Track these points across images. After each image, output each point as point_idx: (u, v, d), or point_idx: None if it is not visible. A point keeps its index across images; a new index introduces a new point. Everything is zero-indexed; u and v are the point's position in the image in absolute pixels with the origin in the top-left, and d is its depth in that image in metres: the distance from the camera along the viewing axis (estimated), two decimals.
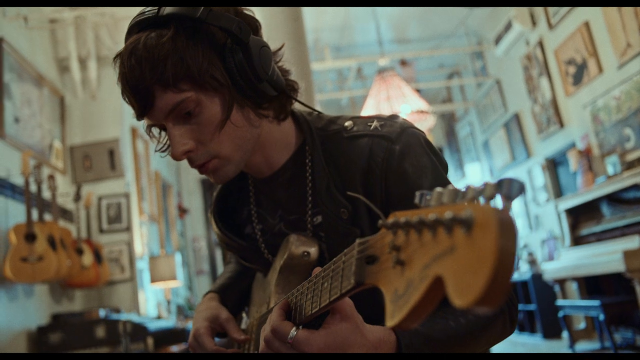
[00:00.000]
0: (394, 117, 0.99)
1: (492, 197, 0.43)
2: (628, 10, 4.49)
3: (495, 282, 0.37)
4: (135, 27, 0.90)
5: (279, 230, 1.05)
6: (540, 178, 6.31)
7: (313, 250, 0.96)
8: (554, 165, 6.19)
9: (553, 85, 5.77)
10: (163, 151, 1.00)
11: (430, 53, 7.13)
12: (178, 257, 6.15)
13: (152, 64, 0.85)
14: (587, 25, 5.06)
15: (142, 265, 5.84)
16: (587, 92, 5.22)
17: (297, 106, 1.04)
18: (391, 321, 0.49)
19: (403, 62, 7.35)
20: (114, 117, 5.86)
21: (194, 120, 0.90)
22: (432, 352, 0.80)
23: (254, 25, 0.94)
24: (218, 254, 8.80)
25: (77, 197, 5.13)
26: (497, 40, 6.35)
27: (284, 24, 3.35)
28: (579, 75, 5.30)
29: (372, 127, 0.96)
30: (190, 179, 8.83)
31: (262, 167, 1.01)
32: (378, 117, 0.99)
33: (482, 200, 0.43)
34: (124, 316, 4.80)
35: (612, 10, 4.67)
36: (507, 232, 0.38)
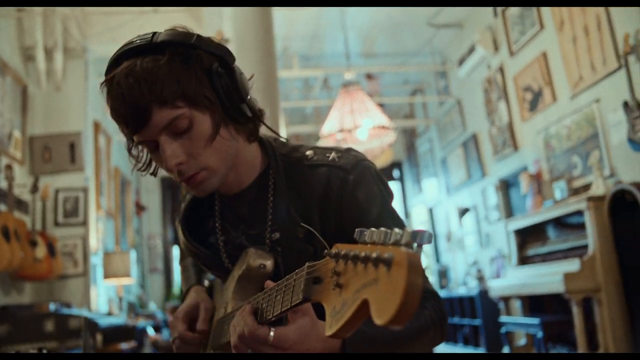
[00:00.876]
0: (350, 150, 1.10)
1: (408, 243, 0.54)
2: (582, 45, 4.74)
3: (404, 307, 0.49)
4: (127, 54, 0.99)
5: (240, 242, 1.15)
6: (493, 197, 6.54)
7: (269, 263, 1.06)
8: (506, 186, 6.43)
9: (510, 110, 6.01)
10: (143, 170, 1.08)
11: (396, 69, 7.32)
12: (133, 254, 6.13)
13: (150, 84, 0.94)
14: (544, 55, 5.31)
15: (96, 260, 5.80)
16: (541, 119, 5.47)
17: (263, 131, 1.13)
18: (329, 331, 0.61)
19: (369, 76, 7.51)
20: (78, 110, 5.83)
21: (186, 135, 0.99)
22: (372, 350, 0.91)
23: (230, 53, 1.03)
24: (173, 253, 8.78)
25: (35, 189, 5.09)
26: (461, 61, 6.58)
27: (254, 30, 3.44)
28: (534, 102, 5.55)
29: (330, 157, 1.07)
30: (150, 176, 8.77)
31: (232, 185, 1.11)
32: (336, 149, 1.10)
33: (402, 244, 0.54)
34: (75, 311, 4.78)
35: (568, 44, 4.92)
36: (415, 271, 0.50)
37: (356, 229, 0.64)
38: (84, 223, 5.62)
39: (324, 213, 1.04)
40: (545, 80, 5.31)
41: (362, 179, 1.05)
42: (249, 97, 1.04)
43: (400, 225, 1.07)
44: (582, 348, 4.15)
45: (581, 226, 4.58)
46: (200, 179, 1.02)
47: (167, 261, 8.65)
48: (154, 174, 1.15)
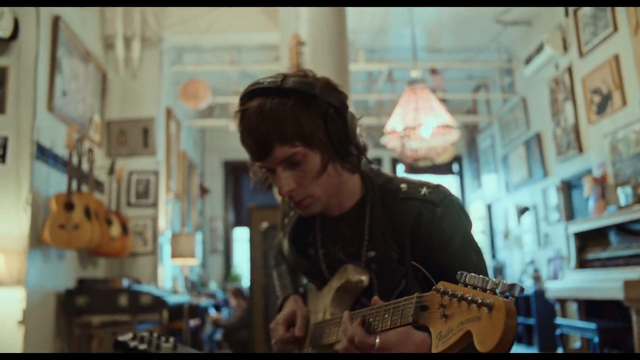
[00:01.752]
0: (439, 187, 1.26)
1: (504, 292, 0.68)
2: None
3: (501, 342, 0.67)
4: (259, 92, 1.17)
5: (339, 257, 1.31)
6: (554, 198, 6.49)
7: (365, 279, 1.23)
8: (568, 187, 6.36)
9: (577, 111, 5.94)
10: (261, 185, 1.32)
11: (461, 65, 7.31)
12: (199, 236, 6.44)
13: (275, 124, 1.13)
14: (616, 58, 5.22)
15: (164, 240, 6.13)
16: (609, 123, 5.39)
17: None
18: (436, 349, 0.79)
19: (433, 71, 7.52)
20: (152, 97, 6.13)
21: (299, 168, 1.17)
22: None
23: (345, 99, 1.20)
24: (233, 235, 9.11)
25: (111, 171, 5.42)
26: (528, 60, 6.51)
27: (329, 31, 3.58)
28: (603, 105, 5.47)
29: (422, 193, 1.23)
30: (214, 160, 9.12)
31: (334, 208, 1.28)
32: (427, 185, 1.26)
33: (498, 292, 0.69)
34: (145, 288, 5.09)
35: None
36: (511, 317, 0.68)
37: (458, 272, 0.79)
38: (154, 204, 5.95)
39: (415, 240, 1.20)
40: (616, 83, 5.23)
41: (447, 212, 1.20)
42: (356, 138, 1.20)
43: (477, 251, 1.22)
44: None
45: None
46: (306, 204, 1.21)
47: (227, 243, 8.99)
48: (269, 188, 1.35)
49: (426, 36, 6.95)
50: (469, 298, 0.74)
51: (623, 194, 4.99)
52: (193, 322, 5.36)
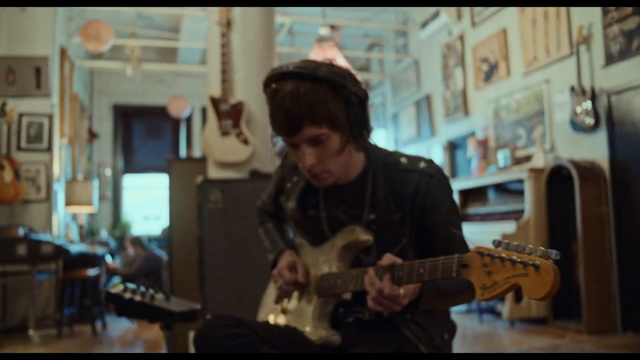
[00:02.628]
0: (432, 162, 1.47)
1: (542, 256, 0.94)
2: (540, 28, 5.18)
3: (550, 292, 0.92)
4: (291, 75, 1.30)
5: (341, 219, 1.49)
6: (439, 157, 7.06)
7: (371, 239, 1.44)
8: (453, 147, 6.96)
9: (466, 77, 6.45)
10: (279, 154, 1.50)
11: (359, 24, 7.56)
12: (95, 183, 6.24)
13: (308, 106, 1.28)
14: (504, 31, 5.73)
15: (58, 187, 5.89)
16: (494, 90, 5.95)
17: None
18: (481, 297, 1.03)
19: (332, 27, 7.69)
20: (44, 35, 5.74)
21: (321, 147, 1.34)
22: (434, 297, 1.32)
23: (366, 91, 1.37)
24: (123, 182, 8.87)
25: (2, 113, 5.08)
26: (424, 24, 6.91)
27: None
28: (489, 74, 6.01)
29: (420, 166, 1.44)
30: (103, 103, 8.72)
31: (341, 178, 1.44)
32: (423, 159, 1.46)
33: (539, 253, 0.96)
34: (43, 236, 4.92)
35: (528, 24, 5.35)
36: (557, 274, 0.92)
37: (493, 240, 1.02)
38: (49, 149, 5.66)
39: (413, 204, 1.41)
40: (502, 54, 5.76)
41: (440, 183, 1.43)
42: (370, 123, 1.39)
43: (458, 214, 1.48)
44: (509, 296, 4.77)
45: (519, 193, 5.16)
46: (323, 177, 1.39)
47: (116, 190, 8.74)
48: (284, 157, 1.58)
49: None
50: (515, 259, 0.98)
51: (502, 156, 5.60)
52: (92, 271, 5.27)
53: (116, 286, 1.77)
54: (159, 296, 1.78)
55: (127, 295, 1.76)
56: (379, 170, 1.45)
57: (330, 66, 1.32)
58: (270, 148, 1.48)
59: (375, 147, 1.50)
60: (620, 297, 4.35)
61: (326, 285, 1.45)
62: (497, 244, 1.04)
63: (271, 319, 1.61)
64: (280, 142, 1.42)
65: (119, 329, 5.39)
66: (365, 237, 1.43)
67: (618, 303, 4.36)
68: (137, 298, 1.75)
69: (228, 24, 3.55)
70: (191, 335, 3.51)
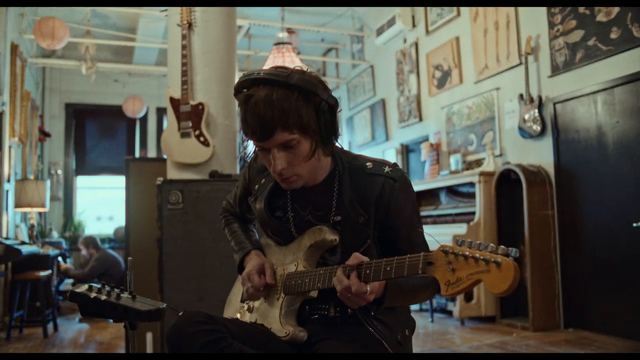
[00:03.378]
0: (396, 166, 1.53)
1: (503, 254, 1.01)
2: (491, 38, 5.39)
3: (510, 287, 1.01)
4: (263, 81, 1.35)
5: (308, 220, 1.55)
6: (393, 160, 7.20)
7: (337, 238, 1.49)
8: (407, 151, 7.13)
9: (420, 83, 6.63)
10: (252, 159, 1.57)
11: (317, 28, 7.65)
12: (48, 183, 6.11)
13: (280, 112, 1.32)
14: (457, 39, 5.93)
15: (7, 187, 5.74)
16: (447, 96, 6.14)
17: None
18: (445, 293, 1.10)
19: (289, 30, 7.77)
20: None
21: (291, 151, 1.39)
22: (398, 293, 1.38)
23: (338, 103, 1.43)
24: (75, 183, 8.69)
25: None
26: (379, 31, 7.05)
27: None
28: (443, 80, 6.19)
29: (385, 170, 1.50)
30: (55, 102, 8.53)
31: (308, 181, 1.50)
32: (388, 164, 1.53)
33: (499, 253, 1.04)
34: None
35: (479, 34, 5.55)
36: (517, 271, 1.01)
37: (456, 239, 1.10)
38: None
39: (377, 207, 1.48)
40: (455, 62, 5.95)
41: (403, 186, 1.50)
42: (338, 129, 1.45)
43: (419, 216, 1.56)
44: (459, 297, 4.94)
45: (470, 195, 5.35)
46: (292, 180, 1.45)
47: (67, 190, 8.55)
48: (254, 160, 1.63)
49: None
50: (478, 257, 1.07)
51: (454, 160, 5.79)
52: (43, 273, 5.17)
53: (80, 286, 1.78)
54: (125, 295, 1.80)
55: (93, 295, 1.77)
56: (345, 173, 1.51)
57: (302, 73, 1.38)
58: (242, 151, 1.53)
59: (342, 151, 1.56)
60: (562, 296, 4.58)
61: (293, 283, 1.51)
62: (460, 242, 1.12)
63: (238, 317, 1.66)
64: (250, 145, 1.47)
65: (71, 332, 5.30)
66: (332, 236, 1.49)
67: (561, 301, 4.58)
68: (103, 297, 1.76)
69: (189, 26, 3.57)
70: (149, 335, 3.52)
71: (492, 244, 1.07)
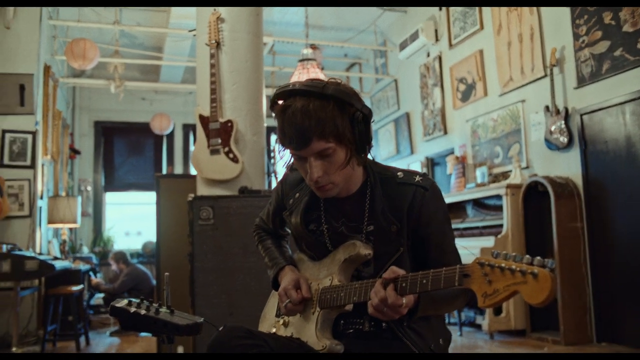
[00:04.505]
0: (426, 175, 1.57)
1: (539, 265, 1.03)
2: (515, 50, 5.39)
3: (548, 298, 1.02)
4: (300, 93, 1.40)
5: (341, 231, 1.58)
6: None
7: (371, 253, 1.52)
8: (432, 164, 7.13)
9: (444, 96, 6.64)
10: (287, 167, 1.59)
11: (341, 44, 7.72)
12: (79, 200, 6.25)
13: (317, 122, 1.37)
14: (481, 52, 5.93)
15: (41, 203, 5.88)
16: (472, 109, 6.14)
17: None
18: (482, 305, 1.13)
19: (313, 47, 7.85)
20: (29, 52, 5.78)
21: (327, 160, 1.42)
22: (430, 304, 1.39)
23: (371, 112, 1.47)
24: (105, 198, 8.86)
25: None
26: (403, 46, 7.09)
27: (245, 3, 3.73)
28: (467, 93, 6.20)
29: (416, 180, 1.54)
30: (85, 120, 8.73)
31: (342, 191, 1.54)
32: (418, 173, 1.56)
33: (535, 264, 1.06)
34: (27, 253, 4.91)
35: (503, 46, 5.56)
36: (554, 281, 1.02)
37: (492, 251, 1.13)
38: (32, 166, 5.66)
39: (410, 215, 1.51)
40: (479, 75, 5.96)
41: (434, 195, 1.53)
42: (372, 139, 1.49)
43: (450, 225, 1.59)
44: (488, 310, 4.91)
45: (497, 208, 5.32)
46: (327, 188, 1.48)
47: (97, 206, 8.72)
48: (291, 170, 1.67)
49: (309, 13, 7.23)
50: (514, 268, 1.09)
51: (480, 173, 5.77)
52: (75, 288, 5.27)
53: (120, 301, 1.83)
54: (163, 310, 1.85)
55: (133, 309, 1.82)
56: (377, 183, 1.55)
57: (337, 84, 1.42)
58: (277, 160, 1.58)
59: (373, 162, 1.59)
60: (594, 309, 4.51)
61: (329, 297, 1.54)
62: (495, 254, 1.14)
63: (273, 332, 1.69)
64: (287, 154, 1.51)
65: (102, 345, 5.38)
66: (366, 251, 1.51)
67: (593, 315, 4.52)
68: (143, 312, 1.81)
69: (217, 45, 3.65)
70: (180, 348, 3.57)
71: (527, 256, 1.09)
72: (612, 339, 4.40)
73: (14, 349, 4.58)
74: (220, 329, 1.45)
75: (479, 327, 5.28)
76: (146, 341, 5.51)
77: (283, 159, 1.54)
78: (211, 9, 3.61)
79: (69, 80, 7.62)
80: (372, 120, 1.48)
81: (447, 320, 5.78)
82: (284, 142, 1.44)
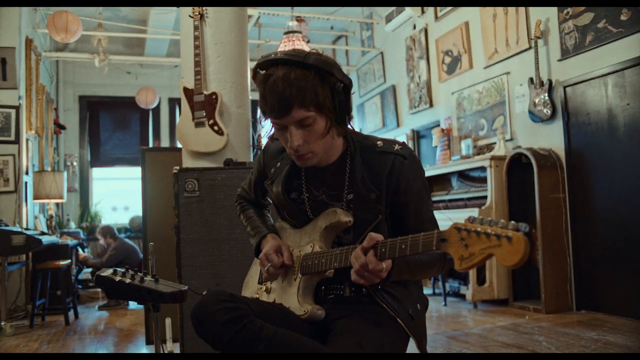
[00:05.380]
0: (405, 144, 1.59)
1: (513, 229, 1.07)
2: (500, 22, 5.39)
3: (521, 260, 1.06)
4: (282, 61, 1.42)
5: (322, 200, 1.62)
6: None
7: (351, 220, 1.56)
8: (418, 136, 7.16)
9: (430, 69, 6.65)
10: (270, 138, 1.65)
11: (327, 16, 7.67)
12: (65, 175, 6.23)
13: (297, 91, 1.39)
14: (466, 24, 5.93)
15: (26, 179, 5.86)
16: (457, 82, 6.16)
17: None
18: (459, 267, 1.16)
19: (299, 19, 7.79)
20: (9, 25, 5.69)
21: (307, 129, 1.45)
22: (405, 269, 1.44)
23: (352, 82, 1.49)
24: (91, 174, 8.82)
25: None
26: (389, 18, 7.06)
27: None
28: (452, 66, 6.21)
29: (395, 148, 1.56)
30: (69, 94, 8.64)
31: (322, 161, 1.57)
32: (397, 142, 1.59)
33: (509, 228, 1.09)
34: (14, 228, 4.91)
35: (489, 19, 5.56)
36: (527, 244, 1.05)
37: (469, 216, 1.16)
38: (17, 141, 5.63)
39: (389, 183, 1.54)
40: (464, 47, 5.96)
41: (412, 164, 1.56)
42: (351, 109, 1.51)
43: (429, 193, 1.62)
44: (472, 280, 5.00)
45: (482, 180, 5.39)
46: (307, 157, 1.51)
47: (83, 181, 8.68)
48: (272, 140, 1.70)
49: None
50: (489, 232, 1.12)
51: (465, 145, 5.81)
52: (63, 262, 5.28)
53: (105, 271, 1.86)
54: (148, 278, 1.88)
55: (118, 278, 1.86)
56: (356, 152, 1.58)
57: (318, 55, 1.44)
58: (260, 129, 1.59)
59: (353, 132, 1.62)
60: (574, 279, 4.61)
61: (310, 264, 1.57)
62: (472, 219, 1.18)
63: (256, 298, 1.73)
64: (268, 124, 1.53)
65: (91, 319, 5.43)
66: (346, 218, 1.55)
67: (573, 284, 4.62)
68: (127, 280, 1.85)
69: (201, 17, 3.62)
70: (168, 321, 3.61)
71: (502, 220, 1.12)
72: (591, 307, 4.52)
73: (2, 323, 4.61)
74: (204, 293, 1.48)
75: (463, 297, 5.38)
76: (134, 314, 5.56)
77: (265, 128, 1.57)
78: None
79: (52, 54, 7.52)
80: (352, 92, 1.51)
81: (432, 291, 5.90)
82: (265, 110, 1.46)
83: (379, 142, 1.60)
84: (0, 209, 5.53)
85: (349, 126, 1.56)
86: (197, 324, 1.43)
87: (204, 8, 3.61)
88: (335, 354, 1.37)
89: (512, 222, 1.11)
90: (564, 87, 4.71)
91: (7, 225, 5.03)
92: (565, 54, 4.67)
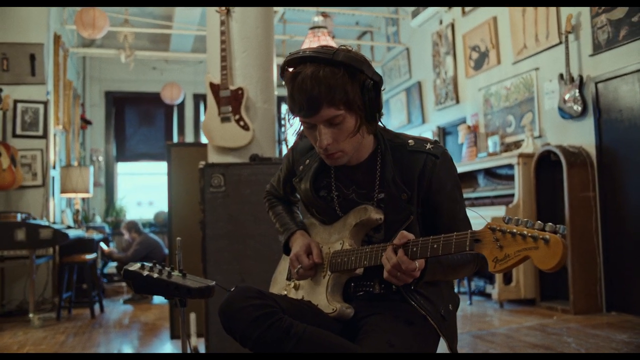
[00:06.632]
0: (437, 142, 1.55)
1: (551, 231, 1.02)
2: (530, 17, 5.29)
3: (559, 263, 1.01)
4: (311, 59, 1.38)
5: (352, 198, 1.58)
6: None
7: (382, 217, 1.52)
8: (444, 133, 7.08)
9: (456, 65, 6.56)
10: (298, 134, 1.59)
11: (352, 11, 7.62)
12: (91, 170, 6.29)
13: (327, 88, 1.35)
14: (495, 20, 5.83)
15: (54, 173, 5.93)
16: (484, 78, 6.06)
17: None
18: (493, 270, 1.12)
19: (324, 14, 7.75)
20: (38, 22, 5.76)
21: (337, 128, 1.41)
22: (439, 270, 1.41)
23: (382, 80, 1.46)
24: (116, 169, 8.91)
25: None
26: (415, 13, 6.99)
27: None
28: (480, 62, 6.11)
29: (427, 147, 1.52)
30: (95, 90, 8.73)
31: (352, 159, 1.53)
32: (429, 141, 1.54)
33: (547, 230, 1.03)
34: (42, 222, 4.98)
35: (518, 13, 5.46)
36: (565, 247, 1.01)
37: (505, 216, 1.12)
38: (44, 136, 5.70)
39: (420, 183, 1.50)
40: (492, 43, 5.87)
41: (445, 163, 1.52)
42: (382, 107, 1.48)
43: (461, 193, 1.58)
44: (498, 279, 4.93)
45: (509, 177, 5.30)
46: (337, 156, 1.47)
47: (108, 176, 8.77)
48: (300, 137, 1.67)
49: None
50: (525, 234, 1.08)
51: (492, 142, 5.73)
52: (89, 256, 5.34)
53: (133, 265, 1.85)
54: (175, 273, 1.87)
55: (145, 273, 1.84)
56: (387, 151, 1.54)
57: (348, 51, 1.40)
58: (287, 128, 1.57)
59: (384, 130, 1.58)
60: (604, 279, 4.51)
61: (339, 261, 1.54)
62: (507, 220, 1.13)
63: (284, 295, 1.71)
64: (296, 122, 1.50)
65: (116, 313, 5.48)
66: (377, 215, 1.52)
67: (603, 284, 4.52)
68: (155, 275, 1.83)
69: (227, 12, 3.61)
70: (192, 316, 3.62)
71: (539, 222, 1.08)
72: (621, 308, 4.41)
73: (30, 316, 4.67)
74: (232, 289, 1.46)
75: (488, 296, 5.30)
76: (159, 308, 5.60)
77: (293, 127, 1.53)
78: None
79: (79, 50, 7.60)
80: (382, 88, 1.47)
81: (457, 290, 5.82)
82: (294, 109, 1.43)
83: (410, 141, 1.55)
84: (28, 203, 5.60)
85: (379, 124, 1.52)
86: (225, 320, 1.41)
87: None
88: (366, 353, 1.33)
89: (549, 223, 1.07)
90: (596, 83, 4.60)
91: (34, 219, 5.11)
92: (597, 49, 4.55)
